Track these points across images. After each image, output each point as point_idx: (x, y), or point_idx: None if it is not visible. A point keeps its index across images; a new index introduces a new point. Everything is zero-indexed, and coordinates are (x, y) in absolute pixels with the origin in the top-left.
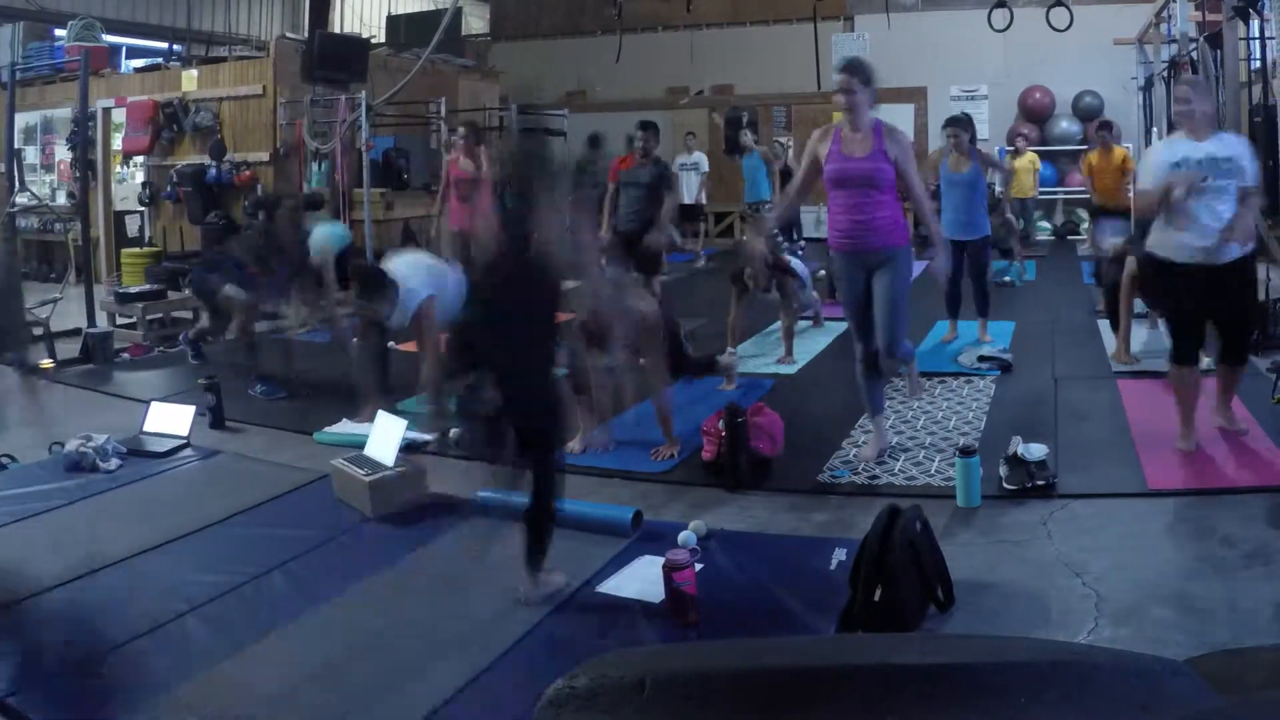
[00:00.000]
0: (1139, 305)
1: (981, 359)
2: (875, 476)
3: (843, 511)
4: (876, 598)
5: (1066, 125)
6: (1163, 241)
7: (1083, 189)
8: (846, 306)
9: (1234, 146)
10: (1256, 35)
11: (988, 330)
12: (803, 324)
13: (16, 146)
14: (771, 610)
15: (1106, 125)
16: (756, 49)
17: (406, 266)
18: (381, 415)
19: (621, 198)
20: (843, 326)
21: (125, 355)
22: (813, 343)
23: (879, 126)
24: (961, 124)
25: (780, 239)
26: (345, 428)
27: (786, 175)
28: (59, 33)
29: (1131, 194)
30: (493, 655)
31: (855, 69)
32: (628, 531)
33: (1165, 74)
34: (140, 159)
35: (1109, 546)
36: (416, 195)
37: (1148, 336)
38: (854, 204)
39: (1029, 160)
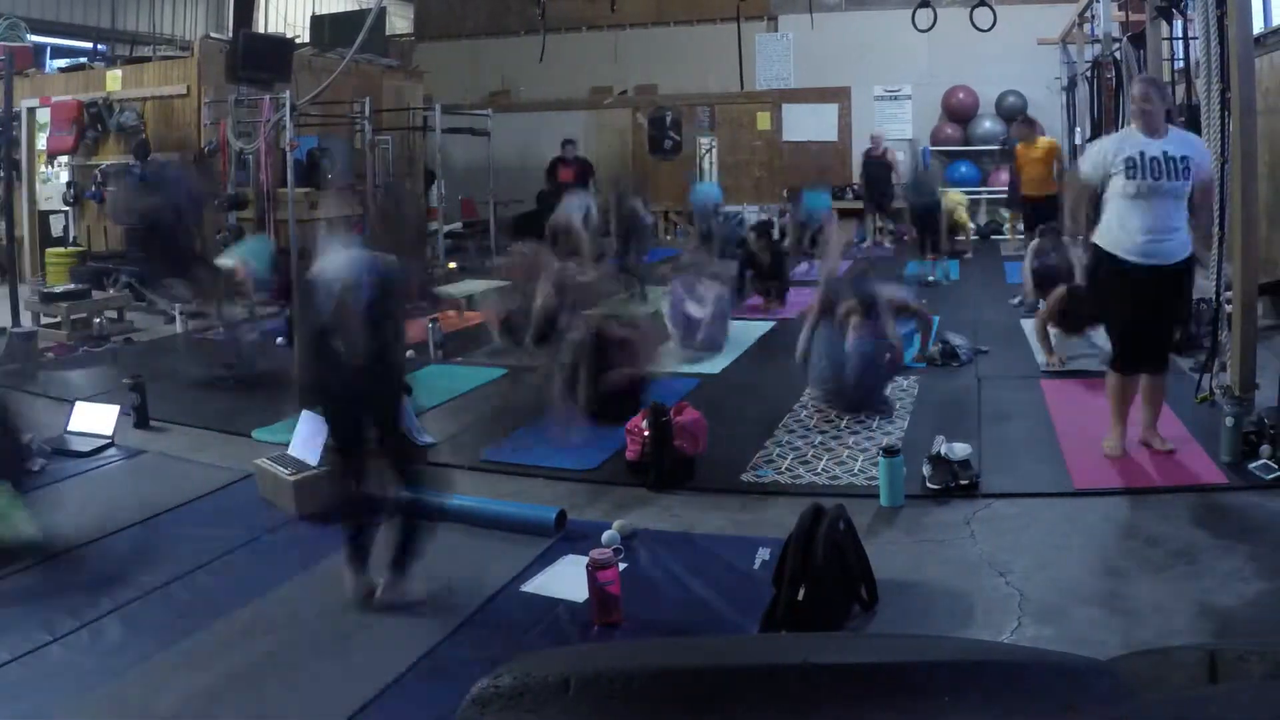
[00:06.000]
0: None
1: (945, 350)
2: (798, 476)
3: (766, 511)
4: (800, 597)
5: (990, 125)
6: (1111, 239)
7: (1004, 189)
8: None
9: (1189, 145)
10: (1180, 35)
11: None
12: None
13: None
14: (695, 609)
15: (1028, 120)
16: (680, 49)
17: None
18: (305, 415)
19: None
20: (766, 327)
21: (50, 355)
22: (736, 343)
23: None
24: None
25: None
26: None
27: None
28: None
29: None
30: (417, 654)
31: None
32: (551, 531)
33: (1089, 74)
34: (65, 159)
35: (1032, 546)
36: (340, 195)
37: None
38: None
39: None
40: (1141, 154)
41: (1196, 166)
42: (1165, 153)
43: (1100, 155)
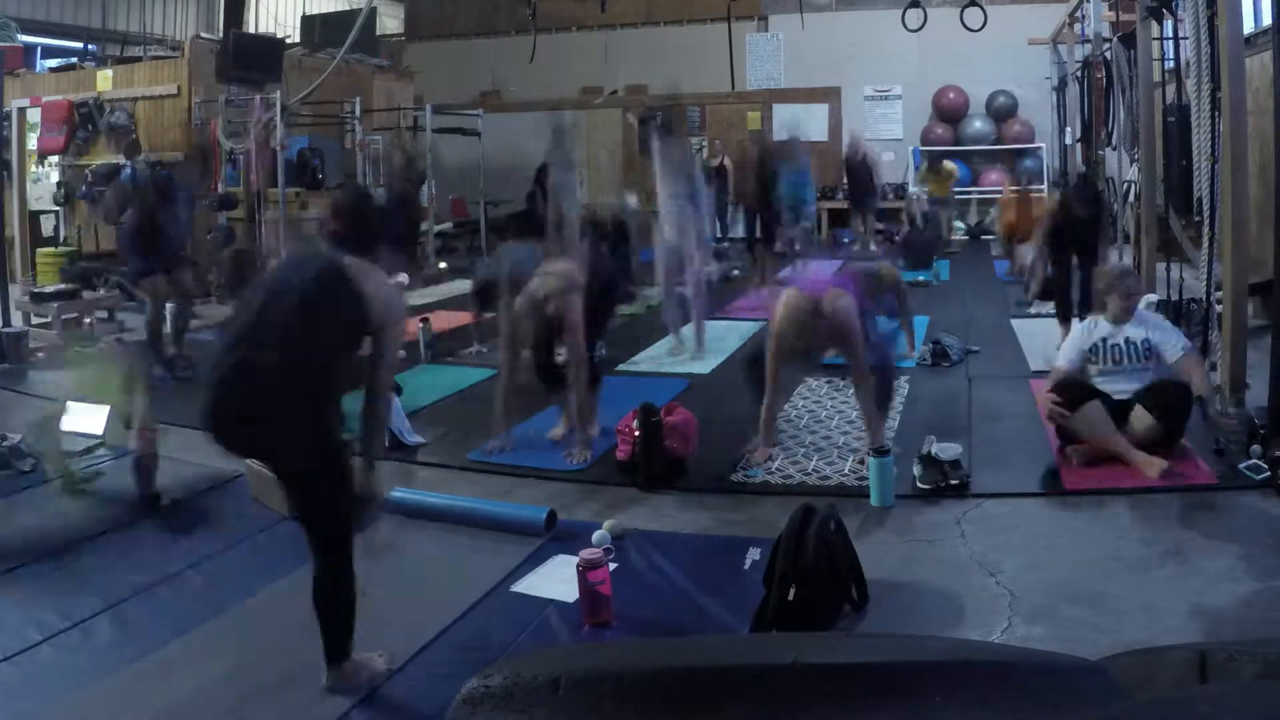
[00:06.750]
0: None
1: (936, 349)
2: (789, 476)
3: (757, 511)
4: (791, 597)
5: (980, 125)
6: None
7: (996, 187)
8: None
9: (1149, 328)
10: (1170, 35)
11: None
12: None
13: None
14: (686, 610)
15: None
16: (671, 49)
17: None
18: None
19: None
20: (755, 327)
21: (40, 355)
22: (726, 342)
23: None
24: None
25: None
26: None
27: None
28: None
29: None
30: (408, 654)
31: None
32: (542, 531)
33: (1079, 74)
34: (55, 159)
35: (1023, 545)
36: (331, 195)
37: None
38: None
39: (949, 170)
40: (1104, 341)
41: (1160, 347)
42: (1126, 339)
43: (1072, 346)
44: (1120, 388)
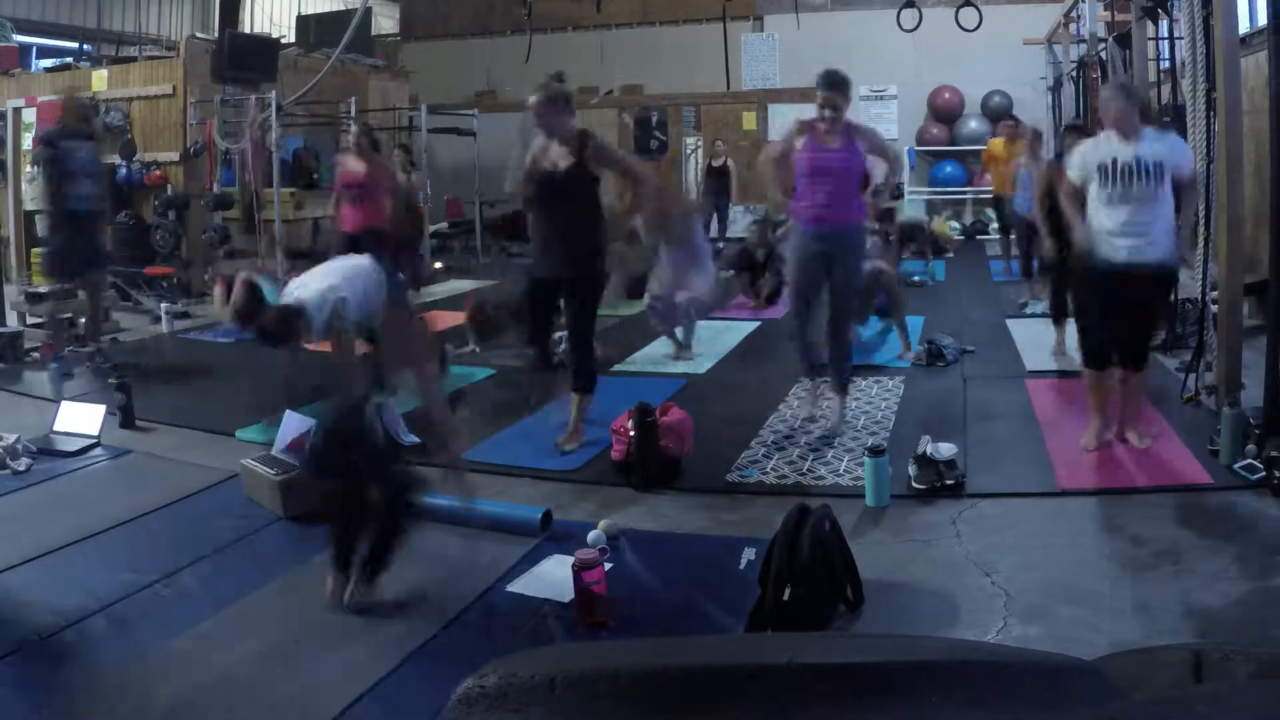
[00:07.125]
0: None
1: (931, 350)
2: (784, 476)
3: (752, 511)
4: (786, 597)
5: (976, 125)
6: (1092, 239)
7: (992, 190)
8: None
9: (1164, 146)
10: (1165, 35)
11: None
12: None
13: None
14: (681, 609)
15: (1015, 119)
16: (666, 49)
17: (314, 279)
18: (289, 415)
19: None
20: (751, 326)
21: (35, 354)
22: (722, 342)
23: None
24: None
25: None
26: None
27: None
28: None
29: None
30: (403, 654)
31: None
32: (537, 531)
33: (1074, 74)
34: None
35: (1018, 545)
36: (326, 195)
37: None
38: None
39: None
40: (1114, 160)
41: (1175, 167)
42: (1138, 157)
43: (1080, 160)
44: (1125, 219)
